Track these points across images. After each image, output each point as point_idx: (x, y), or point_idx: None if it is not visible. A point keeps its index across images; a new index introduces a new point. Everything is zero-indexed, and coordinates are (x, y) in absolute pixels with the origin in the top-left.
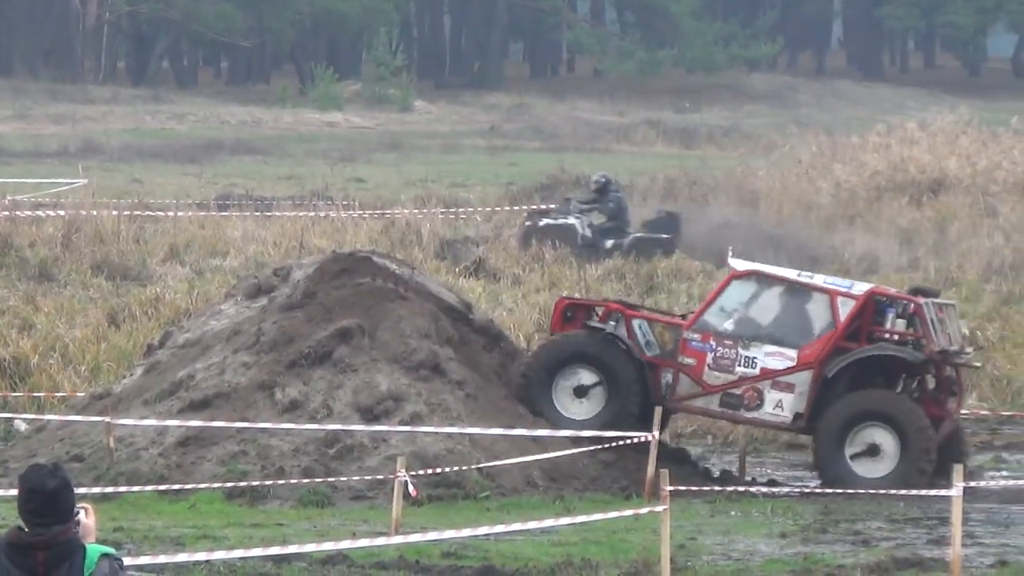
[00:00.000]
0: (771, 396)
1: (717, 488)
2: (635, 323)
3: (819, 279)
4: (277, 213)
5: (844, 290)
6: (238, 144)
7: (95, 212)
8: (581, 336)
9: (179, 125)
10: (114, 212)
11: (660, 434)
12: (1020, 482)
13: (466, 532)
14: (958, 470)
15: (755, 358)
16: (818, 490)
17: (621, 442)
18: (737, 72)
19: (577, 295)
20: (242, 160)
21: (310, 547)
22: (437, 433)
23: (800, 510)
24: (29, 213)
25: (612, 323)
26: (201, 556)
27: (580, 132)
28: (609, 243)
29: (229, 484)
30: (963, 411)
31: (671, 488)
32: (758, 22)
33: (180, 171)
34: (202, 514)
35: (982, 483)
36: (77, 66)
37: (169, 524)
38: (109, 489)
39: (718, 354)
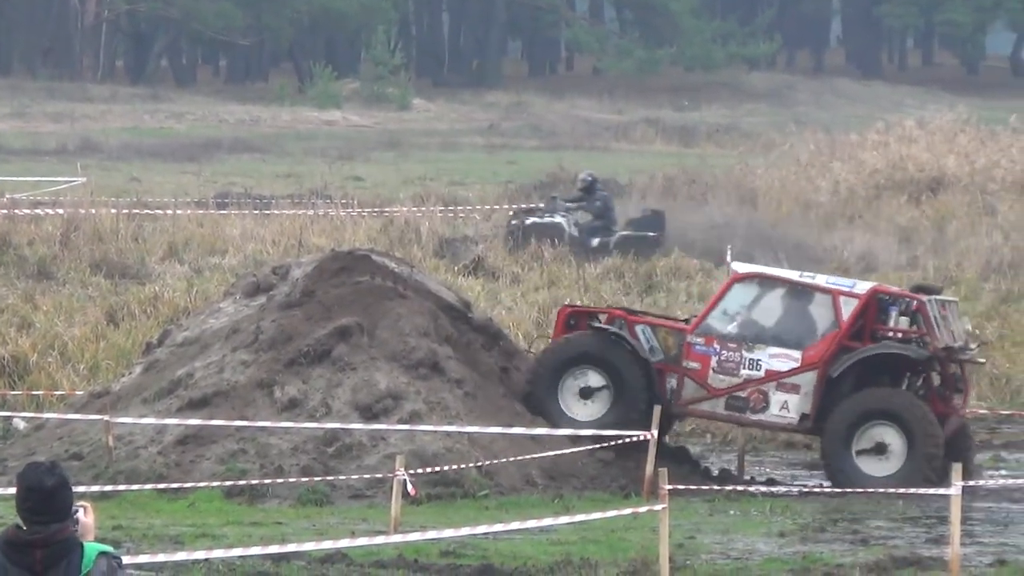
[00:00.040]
0: (777, 398)
1: (716, 487)
2: (639, 329)
3: (821, 279)
4: (276, 211)
5: (847, 289)
6: (237, 142)
7: (94, 210)
8: (587, 337)
9: (178, 124)
10: (113, 210)
11: (662, 437)
12: (1020, 481)
13: (465, 531)
14: (957, 469)
15: (759, 360)
16: (816, 489)
17: (620, 441)
18: (736, 70)
19: (579, 301)
20: (241, 158)
21: (309, 546)
22: (436, 432)
23: (799, 509)
24: (28, 211)
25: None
26: (200, 555)
27: (579, 130)
28: (595, 241)
29: (228, 483)
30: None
31: (670, 487)
32: (756, 20)
33: (179, 169)
34: (201, 513)
35: (981, 482)
36: (76, 64)
37: (168, 522)
38: (108, 487)
39: (722, 357)
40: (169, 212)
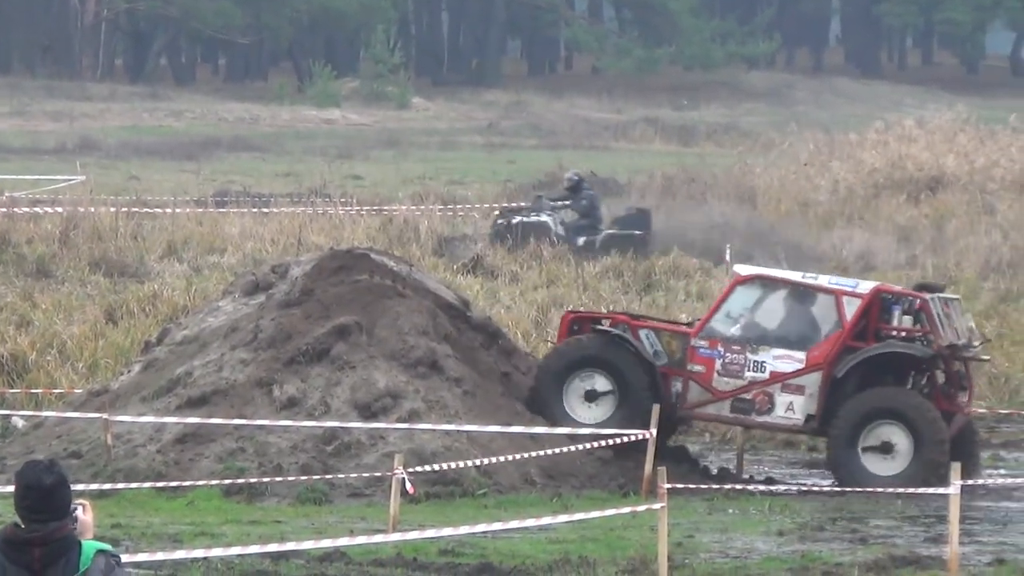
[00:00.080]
0: (782, 399)
1: (715, 486)
2: (642, 333)
3: (823, 279)
4: (275, 210)
5: (850, 289)
6: (236, 141)
7: (93, 209)
8: (591, 340)
9: (177, 122)
10: (112, 209)
11: (665, 441)
12: (1019, 480)
13: (464, 529)
14: (956, 468)
15: (764, 362)
16: (815, 488)
17: (619, 440)
18: (735, 70)
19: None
20: (240, 157)
21: (308, 544)
22: (435, 430)
23: (798, 508)
24: (27, 210)
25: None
26: (199, 553)
27: (578, 129)
28: (581, 240)
29: (227, 481)
30: None
31: (669, 486)
32: (756, 19)
33: (178, 168)
34: (200, 511)
35: (980, 481)
36: (75, 63)
37: (167, 521)
38: (107, 486)
39: (727, 360)
40: (168, 211)
